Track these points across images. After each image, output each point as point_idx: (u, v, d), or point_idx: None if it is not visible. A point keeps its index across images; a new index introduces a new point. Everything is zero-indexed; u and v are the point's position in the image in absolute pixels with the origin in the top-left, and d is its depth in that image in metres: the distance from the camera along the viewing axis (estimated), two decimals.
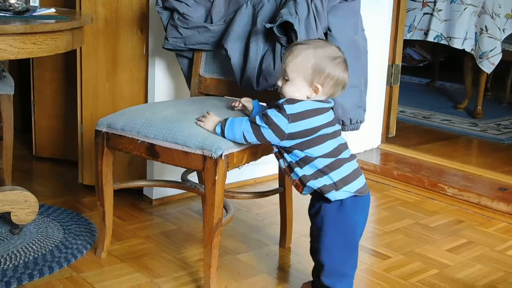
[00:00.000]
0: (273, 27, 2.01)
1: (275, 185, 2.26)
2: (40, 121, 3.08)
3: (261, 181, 2.89)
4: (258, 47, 2.10)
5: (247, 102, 1.88)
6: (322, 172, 1.65)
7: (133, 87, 2.60)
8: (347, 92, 2.09)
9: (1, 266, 1.97)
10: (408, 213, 2.63)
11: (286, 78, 1.66)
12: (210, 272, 1.83)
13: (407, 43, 5.12)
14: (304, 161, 1.66)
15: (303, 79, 1.65)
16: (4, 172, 2.65)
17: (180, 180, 2.27)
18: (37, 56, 1.76)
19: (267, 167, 2.81)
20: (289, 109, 1.63)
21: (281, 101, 1.66)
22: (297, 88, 1.65)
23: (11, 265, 1.98)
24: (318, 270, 1.74)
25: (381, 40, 3.26)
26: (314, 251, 1.75)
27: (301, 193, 1.72)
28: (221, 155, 1.74)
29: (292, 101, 1.65)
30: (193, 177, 2.37)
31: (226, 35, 2.14)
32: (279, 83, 1.70)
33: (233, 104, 1.93)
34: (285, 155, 1.69)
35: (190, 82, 2.31)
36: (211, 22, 2.21)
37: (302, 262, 2.11)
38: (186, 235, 2.32)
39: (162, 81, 2.55)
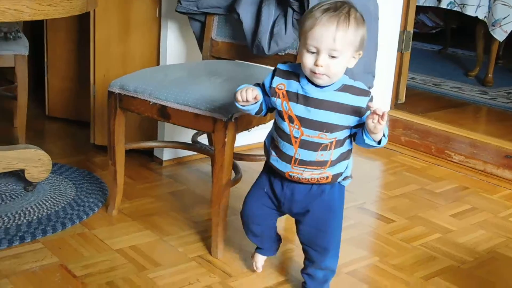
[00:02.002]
0: None
1: None
2: (53, 81, 3.11)
3: None
4: (270, 12, 2.11)
5: (257, 95, 1.54)
6: (349, 163, 1.60)
7: (145, 50, 2.61)
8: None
9: (16, 222, 2.02)
10: (414, 178, 2.66)
11: (334, 55, 1.42)
12: (218, 231, 1.88)
13: (420, 9, 5.07)
14: (348, 153, 1.57)
15: (351, 51, 1.46)
16: (18, 131, 2.70)
17: (190, 142, 2.31)
18: (52, 18, 1.77)
19: None
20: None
21: (367, 99, 1.48)
22: (346, 62, 1.46)
23: (25, 221, 2.04)
24: (318, 255, 1.63)
25: (393, 6, 3.24)
26: (312, 240, 1.63)
27: (312, 183, 1.57)
28: (231, 118, 1.77)
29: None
30: (203, 139, 2.41)
31: None
32: (323, 61, 1.42)
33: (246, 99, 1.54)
34: (346, 143, 1.54)
35: (202, 46, 2.33)
36: None
37: None
38: (195, 195, 2.37)
39: (174, 44, 2.56)
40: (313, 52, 1.44)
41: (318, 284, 1.67)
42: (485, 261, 1.97)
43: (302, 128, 1.49)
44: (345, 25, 1.42)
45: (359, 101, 1.47)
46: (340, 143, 1.51)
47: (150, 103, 1.92)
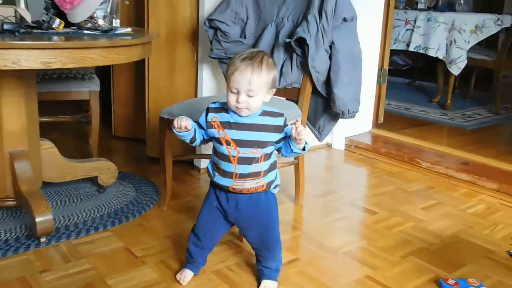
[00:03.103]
0: (291, 42, 2.04)
1: (289, 159, 2.29)
2: (117, 109, 3.15)
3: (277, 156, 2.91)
4: (279, 55, 2.14)
5: (188, 125, 1.50)
6: (277, 172, 1.56)
7: (186, 85, 2.64)
8: (346, 89, 2.12)
9: (91, 216, 2.05)
10: (392, 180, 2.65)
11: (251, 95, 1.40)
12: None
13: (394, 52, 5.06)
14: (275, 164, 1.54)
15: (266, 90, 1.43)
16: (92, 148, 2.73)
17: None
18: (118, 63, 1.79)
19: None
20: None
21: (283, 119, 1.47)
22: (262, 98, 1.43)
23: (98, 215, 2.06)
24: (268, 251, 1.58)
25: (373, 49, 3.25)
26: (262, 241, 1.57)
27: (251, 193, 1.51)
28: None
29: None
30: None
31: (256, 47, 2.17)
32: (242, 99, 1.39)
33: (180, 126, 1.49)
34: (272, 155, 1.52)
35: None
36: (245, 37, 2.24)
37: (311, 214, 2.16)
38: None
39: (208, 81, 2.59)
40: (235, 92, 1.41)
41: (273, 272, 1.60)
42: (449, 244, 1.96)
43: (238, 148, 1.45)
44: (259, 71, 1.39)
45: (278, 121, 1.46)
46: (268, 156, 1.48)
47: None
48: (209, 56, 2.31)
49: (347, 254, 1.84)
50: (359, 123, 3.22)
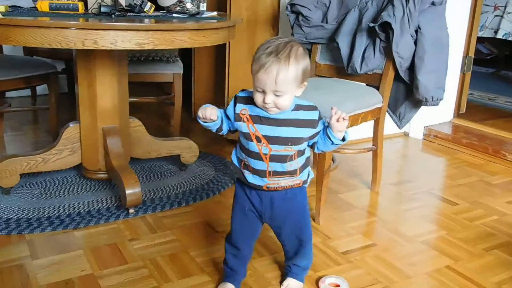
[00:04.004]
0: (375, 26, 1.99)
1: (368, 145, 2.27)
2: (198, 92, 3.22)
3: (356, 142, 2.87)
4: (362, 40, 2.09)
5: (213, 115, 1.31)
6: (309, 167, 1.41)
7: None
8: (430, 76, 2.05)
9: (174, 191, 2.13)
10: (473, 172, 2.53)
11: (278, 94, 1.22)
12: (320, 205, 1.89)
13: (478, 39, 4.80)
14: (308, 160, 1.39)
15: (295, 86, 1.24)
16: (174, 128, 2.83)
17: None
18: (204, 46, 1.83)
19: (362, 132, 2.79)
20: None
21: (317, 113, 1.31)
22: (292, 94, 1.25)
23: (181, 191, 2.14)
24: (302, 248, 1.45)
25: (459, 36, 3.10)
26: (296, 236, 1.43)
27: (290, 188, 1.36)
28: None
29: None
30: None
31: (338, 32, 2.15)
32: (269, 99, 1.22)
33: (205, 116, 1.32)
34: (306, 150, 1.37)
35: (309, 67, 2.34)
36: (327, 22, 2.22)
37: (388, 201, 2.12)
38: None
39: None
40: (261, 92, 1.23)
41: (301, 271, 1.49)
42: None
43: (269, 145, 1.28)
44: (285, 67, 1.20)
45: (312, 115, 1.30)
46: (301, 152, 1.33)
47: None
48: None
49: (425, 243, 1.80)
50: (438, 113, 3.10)
